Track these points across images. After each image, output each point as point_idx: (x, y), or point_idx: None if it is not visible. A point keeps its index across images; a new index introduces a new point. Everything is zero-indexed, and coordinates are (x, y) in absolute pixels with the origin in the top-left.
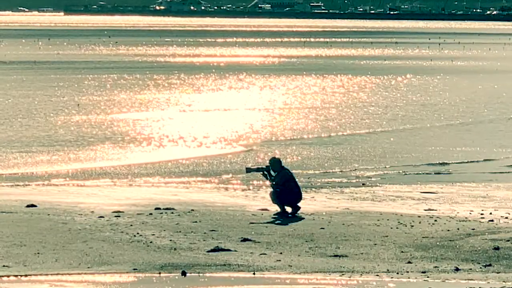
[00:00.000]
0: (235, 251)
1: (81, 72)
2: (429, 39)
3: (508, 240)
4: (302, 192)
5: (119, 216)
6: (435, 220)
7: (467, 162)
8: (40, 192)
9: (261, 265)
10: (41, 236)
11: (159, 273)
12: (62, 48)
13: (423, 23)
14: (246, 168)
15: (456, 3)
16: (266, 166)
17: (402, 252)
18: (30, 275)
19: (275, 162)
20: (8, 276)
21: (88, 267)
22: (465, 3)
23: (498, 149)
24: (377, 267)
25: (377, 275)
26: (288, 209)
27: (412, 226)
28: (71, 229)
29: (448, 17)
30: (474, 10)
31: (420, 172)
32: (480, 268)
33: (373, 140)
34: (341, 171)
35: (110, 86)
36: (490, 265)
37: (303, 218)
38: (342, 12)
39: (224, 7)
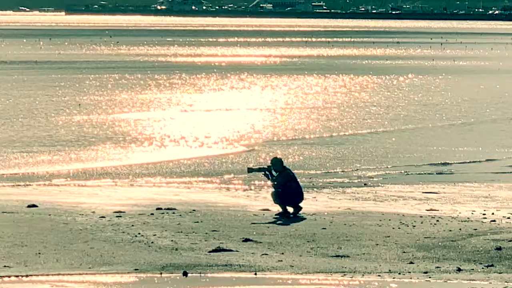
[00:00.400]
0: (237, 251)
1: (82, 72)
2: (431, 38)
3: (510, 241)
4: (304, 192)
5: (120, 216)
6: (437, 220)
7: (469, 162)
8: (41, 192)
9: (263, 265)
10: (42, 236)
11: (161, 273)
12: (64, 48)
13: (425, 23)
14: (248, 168)
15: (458, 2)
16: (268, 166)
17: (404, 252)
18: (31, 275)
19: (277, 162)
20: (9, 277)
21: (89, 268)
22: (467, 3)
23: (500, 149)
24: (379, 267)
25: (379, 276)
26: (290, 209)
27: (414, 226)
28: (72, 229)
29: (450, 16)
30: (476, 10)
31: (422, 172)
32: (482, 268)
33: (375, 140)
34: (342, 171)
35: (112, 86)
36: (492, 265)
37: (305, 218)
38: (343, 12)
39: (226, 7)
